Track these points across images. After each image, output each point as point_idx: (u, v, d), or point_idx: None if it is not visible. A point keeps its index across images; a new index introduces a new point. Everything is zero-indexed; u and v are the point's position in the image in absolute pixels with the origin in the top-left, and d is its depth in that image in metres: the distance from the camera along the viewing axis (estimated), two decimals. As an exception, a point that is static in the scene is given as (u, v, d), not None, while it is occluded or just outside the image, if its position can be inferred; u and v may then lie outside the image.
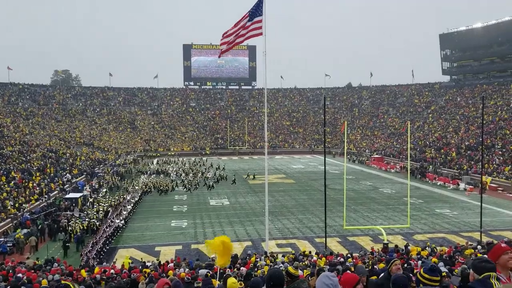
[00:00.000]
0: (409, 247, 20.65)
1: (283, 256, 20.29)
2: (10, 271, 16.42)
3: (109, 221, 29.13)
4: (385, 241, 23.58)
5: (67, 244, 25.54)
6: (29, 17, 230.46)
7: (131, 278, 14.75)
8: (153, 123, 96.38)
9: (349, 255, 19.52)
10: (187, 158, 73.49)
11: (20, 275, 15.06)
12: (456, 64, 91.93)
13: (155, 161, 71.48)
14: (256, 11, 19.68)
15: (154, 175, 55.32)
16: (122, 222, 29.66)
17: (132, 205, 35.53)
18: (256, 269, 16.11)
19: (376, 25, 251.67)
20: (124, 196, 39.41)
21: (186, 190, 45.53)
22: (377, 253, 20.06)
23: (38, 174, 41.96)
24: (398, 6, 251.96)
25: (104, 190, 44.41)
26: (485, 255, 5.21)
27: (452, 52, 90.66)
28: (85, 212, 33.13)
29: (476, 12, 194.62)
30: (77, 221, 29.52)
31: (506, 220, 32.64)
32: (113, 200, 37.54)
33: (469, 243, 21.59)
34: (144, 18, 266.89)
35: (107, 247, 24.66)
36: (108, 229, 26.74)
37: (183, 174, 55.07)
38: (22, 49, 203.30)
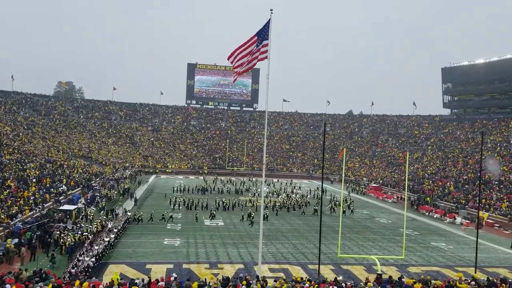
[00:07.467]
0: (403, 279, 20.37)
1: (275, 281, 20.01)
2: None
3: (75, 260, 23.15)
4: (379, 272, 23.33)
5: (53, 258, 24.63)
6: (39, 28, 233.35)
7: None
8: (152, 139, 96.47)
9: (343, 284, 19.22)
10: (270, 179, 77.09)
11: (8, 285, 14.83)
12: (457, 98, 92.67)
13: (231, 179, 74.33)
14: (262, 35, 19.94)
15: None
16: (93, 260, 23.49)
17: (114, 234, 30.08)
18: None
19: (380, 55, 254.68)
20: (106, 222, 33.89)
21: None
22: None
23: (34, 184, 41.76)
24: (402, 38, 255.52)
25: (93, 209, 40.96)
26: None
27: (454, 86, 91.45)
28: (78, 225, 32.78)
29: (478, 47, 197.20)
30: (69, 233, 29.19)
31: (501, 257, 32.37)
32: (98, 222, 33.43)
33: (463, 278, 21.34)
34: (149, 35, 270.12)
35: (97, 264, 24.12)
36: (74, 270, 21.43)
37: (298, 196, 56.62)
38: (27, 58, 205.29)
